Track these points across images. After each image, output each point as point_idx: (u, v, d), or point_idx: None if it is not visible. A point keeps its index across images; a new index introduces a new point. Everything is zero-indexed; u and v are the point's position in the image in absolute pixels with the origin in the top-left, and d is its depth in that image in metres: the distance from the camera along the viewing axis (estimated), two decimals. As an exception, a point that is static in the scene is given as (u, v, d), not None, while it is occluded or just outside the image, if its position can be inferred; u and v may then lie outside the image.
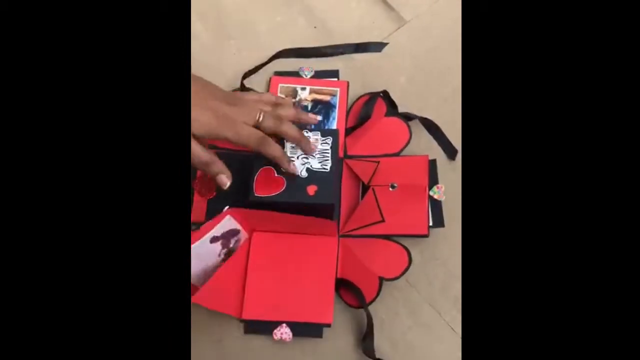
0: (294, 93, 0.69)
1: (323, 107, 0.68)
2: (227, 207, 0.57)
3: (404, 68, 0.71)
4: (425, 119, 0.66)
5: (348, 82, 0.70)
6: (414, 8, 0.75)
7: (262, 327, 0.57)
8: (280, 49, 0.73)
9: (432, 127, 0.67)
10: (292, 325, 0.56)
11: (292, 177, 0.54)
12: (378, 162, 0.63)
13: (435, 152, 0.66)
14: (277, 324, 0.56)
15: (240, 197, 0.57)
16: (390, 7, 0.75)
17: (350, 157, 0.65)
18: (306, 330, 0.56)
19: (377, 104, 0.67)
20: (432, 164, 0.63)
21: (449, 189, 0.62)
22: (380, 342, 0.57)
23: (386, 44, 0.73)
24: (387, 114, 0.67)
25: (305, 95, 0.69)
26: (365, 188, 0.62)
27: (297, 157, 0.56)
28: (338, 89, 0.69)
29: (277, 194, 0.54)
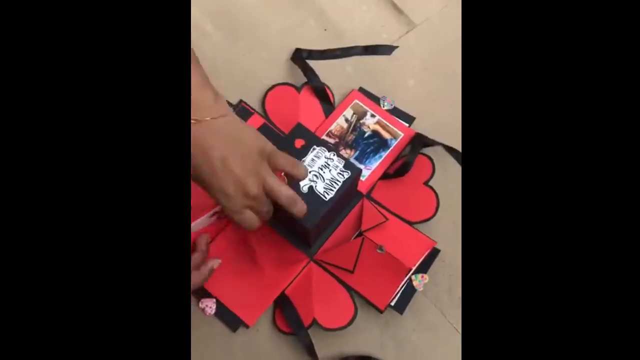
0: (363, 115, 0.69)
1: (377, 142, 0.68)
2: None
3: (413, 71, 0.72)
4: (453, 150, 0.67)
5: (417, 133, 0.68)
6: (424, 12, 0.75)
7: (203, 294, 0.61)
8: (291, 50, 0.73)
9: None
10: (220, 307, 0.60)
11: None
12: (387, 219, 0.63)
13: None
14: (209, 296, 0.60)
15: None
16: (400, 11, 0.75)
17: (371, 199, 0.65)
18: (228, 318, 0.60)
19: (423, 165, 0.67)
20: (434, 252, 0.63)
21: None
22: (385, 343, 0.58)
23: (396, 47, 0.73)
24: (426, 183, 0.67)
25: (371, 122, 0.69)
26: (360, 234, 0.62)
27: (309, 172, 0.55)
28: (402, 134, 0.69)
29: None
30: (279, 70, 0.73)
